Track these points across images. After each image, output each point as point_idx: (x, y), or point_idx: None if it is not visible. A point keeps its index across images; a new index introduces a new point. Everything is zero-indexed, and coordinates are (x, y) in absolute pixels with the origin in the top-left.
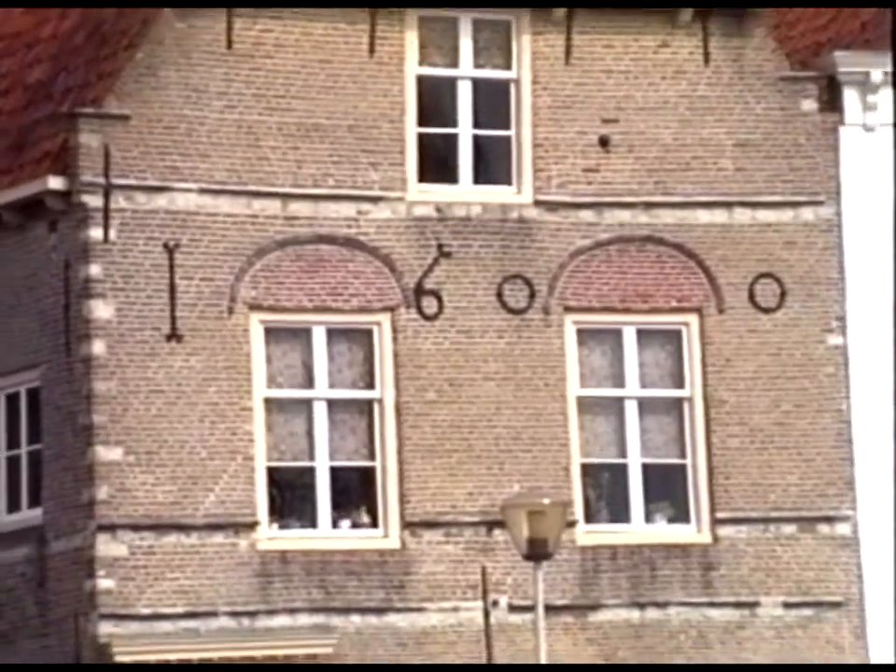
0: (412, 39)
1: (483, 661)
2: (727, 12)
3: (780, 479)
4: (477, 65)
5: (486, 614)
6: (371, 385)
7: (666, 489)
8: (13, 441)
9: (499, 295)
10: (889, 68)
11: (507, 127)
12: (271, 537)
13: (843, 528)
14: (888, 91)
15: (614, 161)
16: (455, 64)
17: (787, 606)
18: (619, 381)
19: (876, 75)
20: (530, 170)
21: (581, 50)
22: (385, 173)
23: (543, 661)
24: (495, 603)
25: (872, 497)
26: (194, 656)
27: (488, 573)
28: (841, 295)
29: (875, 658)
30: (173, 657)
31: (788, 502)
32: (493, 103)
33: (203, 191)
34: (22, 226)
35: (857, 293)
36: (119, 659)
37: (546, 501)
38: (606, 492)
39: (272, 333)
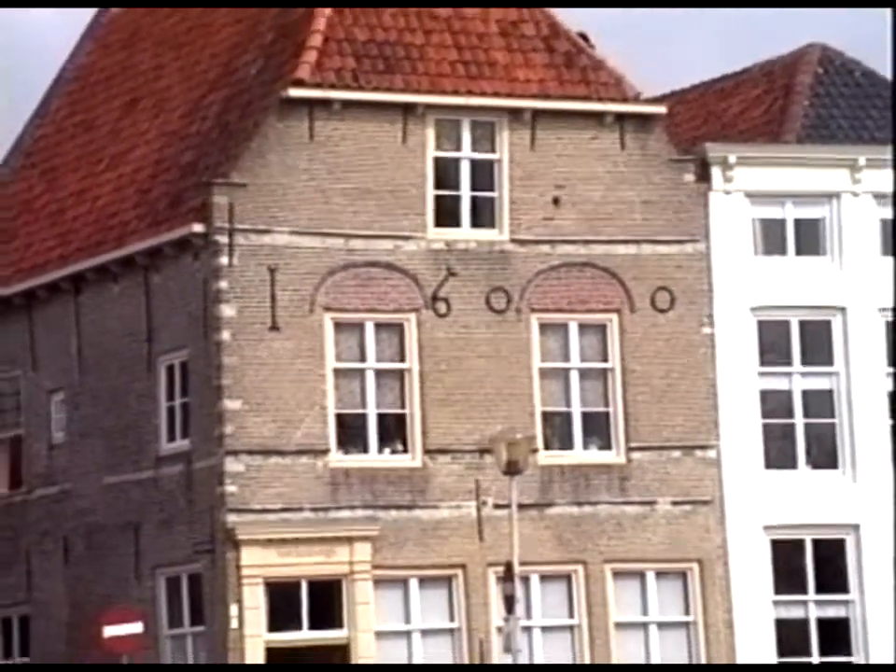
0: (430, 133)
1: (476, 542)
2: (636, 116)
3: (670, 421)
4: (473, 150)
5: (479, 510)
6: (403, 360)
7: (597, 428)
8: (171, 396)
9: (487, 301)
10: (743, 153)
11: (492, 190)
12: (338, 459)
13: (710, 453)
14: (741, 169)
15: (563, 213)
16: (459, 149)
17: (674, 504)
18: (566, 357)
19: (732, 158)
20: (508, 218)
21: (541, 140)
22: (413, 220)
23: (516, 541)
24: (484, 503)
25: (729, 432)
26: (288, 536)
27: (480, 483)
28: (710, 301)
29: (732, 538)
30: (274, 536)
31: (675, 436)
32: (483, 174)
33: (293, 233)
34: (176, 256)
35: (720, 300)
36: (241, 538)
37: (518, 436)
38: (557, 430)
39: (338, 326)
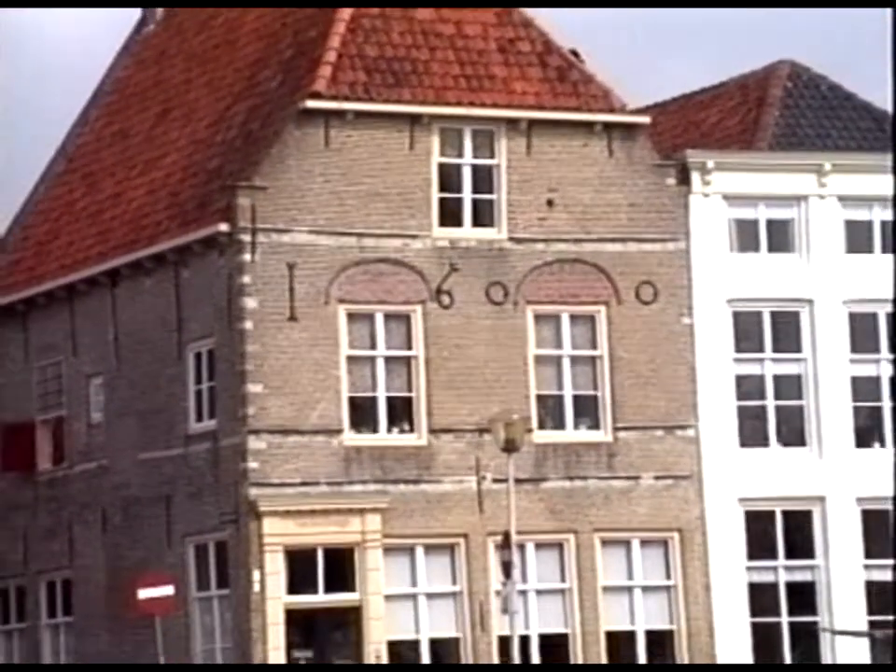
0: (435, 140)
1: (477, 513)
2: (622, 126)
3: (654, 403)
4: (474, 156)
5: (479, 484)
6: (410, 347)
7: (587, 409)
8: (198, 380)
9: (487, 294)
10: (720, 159)
11: (491, 192)
12: (351, 438)
13: (690, 432)
14: (718, 174)
15: (556, 213)
16: (461, 156)
17: (657, 478)
18: (558, 345)
19: (710, 163)
20: (506, 218)
21: (536, 147)
22: (419, 220)
23: (513, 512)
24: (484, 478)
25: (707, 413)
26: (305, 508)
27: (480, 460)
28: (689, 294)
29: (709, 509)
30: (293, 508)
31: (658, 417)
32: (483, 178)
33: (310, 232)
34: (203, 253)
35: (699, 293)
36: (262, 509)
37: (515, 417)
38: (550, 411)
39: (351, 317)
